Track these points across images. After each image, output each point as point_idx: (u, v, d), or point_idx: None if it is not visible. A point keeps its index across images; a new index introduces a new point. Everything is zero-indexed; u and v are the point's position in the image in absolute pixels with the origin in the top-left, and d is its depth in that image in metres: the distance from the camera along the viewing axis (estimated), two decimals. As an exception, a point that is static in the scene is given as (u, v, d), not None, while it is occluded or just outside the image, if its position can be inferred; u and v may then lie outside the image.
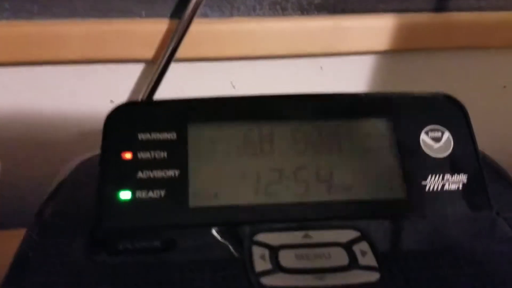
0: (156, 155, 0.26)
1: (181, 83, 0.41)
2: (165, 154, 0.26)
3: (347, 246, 0.24)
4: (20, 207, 0.36)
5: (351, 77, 0.46)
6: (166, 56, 0.39)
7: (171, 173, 0.26)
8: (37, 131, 0.43)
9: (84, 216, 0.26)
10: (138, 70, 0.42)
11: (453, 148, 0.28)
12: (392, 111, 0.28)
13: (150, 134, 0.27)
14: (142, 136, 0.27)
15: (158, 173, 0.26)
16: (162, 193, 0.26)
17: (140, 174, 0.26)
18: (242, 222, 0.26)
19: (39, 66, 0.41)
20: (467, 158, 0.28)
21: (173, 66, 0.40)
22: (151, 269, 0.23)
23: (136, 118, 0.27)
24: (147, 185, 0.26)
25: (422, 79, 0.43)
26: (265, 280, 0.22)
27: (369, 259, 0.23)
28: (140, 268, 0.23)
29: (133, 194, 0.26)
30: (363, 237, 0.25)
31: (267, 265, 0.23)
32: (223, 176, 0.26)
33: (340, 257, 0.24)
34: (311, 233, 0.25)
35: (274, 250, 0.24)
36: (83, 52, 0.40)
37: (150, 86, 0.39)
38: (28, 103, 0.42)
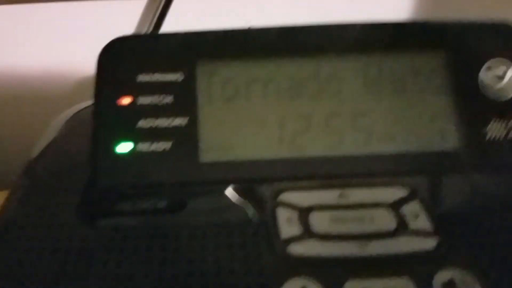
0: (160, 100, 0.23)
1: (188, 21, 0.36)
2: (171, 99, 0.23)
3: (394, 207, 0.20)
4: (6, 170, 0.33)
5: (388, 10, 0.40)
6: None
7: (178, 121, 0.23)
8: (25, 81, 0.39)
9: (77, 174, 0.23)
10: (141, 7, 0.38)
11: None
12: (444, 43, 0.24)
13: (152, 75, 0.23)
14: (142, 78, 0.23)
15: (163, 122, 0.23)
16: (168, 145, 0.23)
17: (141, 123, 0.23)
18: (263, 179, 0.22)
19: (26, 4, 0.36)
20: None
21: (179, 1, 0.36)
22: (154, 233, 0.20)
23: (135, 55, 0.24)
24: (149, 135, 0.23)
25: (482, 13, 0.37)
26: (294, 249, 0.19)
27: (422, 222, 0.20)
28: (141, 232, 0.20)
29: (134, 146, 0.23)
30: (413, 195, 0.21)
31: (296, 230, 0.20)
32: (240, 125, 0.23)
33: (385, 221, 0.20)
34: (347, 191, 0.21)
35: (303, 212, 0.20)
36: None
37: (153, 24, 0.34)
38: (11, 47, 0.38)
